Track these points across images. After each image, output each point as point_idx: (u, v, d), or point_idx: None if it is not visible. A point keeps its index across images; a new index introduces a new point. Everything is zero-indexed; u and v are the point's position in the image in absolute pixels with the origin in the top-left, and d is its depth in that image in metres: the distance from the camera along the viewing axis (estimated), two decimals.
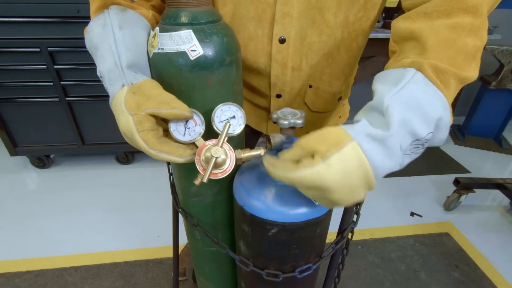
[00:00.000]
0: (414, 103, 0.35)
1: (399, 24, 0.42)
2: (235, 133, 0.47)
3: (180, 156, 0.42)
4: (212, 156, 0.41)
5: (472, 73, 0.38)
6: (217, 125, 0.46)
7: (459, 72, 0.36)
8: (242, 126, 0.47)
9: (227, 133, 0.43)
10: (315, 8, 0.53)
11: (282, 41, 0.57)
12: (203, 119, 0.45)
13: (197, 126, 0.45)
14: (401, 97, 0.35)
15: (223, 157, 0.42)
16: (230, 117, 0.46)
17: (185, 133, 0.45)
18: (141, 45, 0.46)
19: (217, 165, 0.42)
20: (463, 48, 0.37)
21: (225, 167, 0.43)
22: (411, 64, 0.37)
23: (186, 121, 0.44)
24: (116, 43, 0.43)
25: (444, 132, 0.37)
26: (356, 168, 0.34)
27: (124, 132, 0.41)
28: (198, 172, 0.43)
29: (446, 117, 0.36)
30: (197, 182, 0.43)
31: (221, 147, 0.42)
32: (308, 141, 0.37)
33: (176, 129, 0.44)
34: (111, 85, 0.43)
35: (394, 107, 0.34)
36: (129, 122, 0.39)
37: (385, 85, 0.37)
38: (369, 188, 0.36)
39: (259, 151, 0.47)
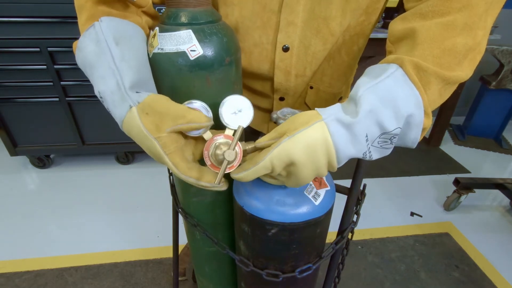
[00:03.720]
0: (388, 97, 0.35)
1: (396, 25, 0.43)
2: (242, 127, 0.45)
3: (209, 182, 0.42)
4: (225, 159, 0.41)
5: (460, 72, 0.37)
6: (224, 118, 0.44)
7: (442, 72, 0.36)
8: (250, 120, 0.45)
9: (239, 137, 0.42)
10: (320, 17, 0.53)
11: (285, 49, 0.57)
12: (211, 112, 0.44)
13: None
14: (376, 90, 0.36)
15: (233, 157, 0.42)
16: (238, 110, 0.45)
17: None
18: (142, 58, 0.44)
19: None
20: (451, 47, 0.36)
21: (234, 163, 0.43)
22: (395, 60, 0.38)
23: None
24: (115, 62, 0.40)
25: (416, 131, 0.37)
26: (320, 147, 0.36)
27: (152, 155, 0.41)
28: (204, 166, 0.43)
29: (418, 115, 0.36)
30: None
31: (233, 149, 0.42)
32: (283, 124, 0.40)
33: None
34: (115, 107, 0.40)
35: (366, 98, 0.35)
36: (156, 147, 0.39)
37: (366, 78, 0.39)
38: (330, 168, 0.39)
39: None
